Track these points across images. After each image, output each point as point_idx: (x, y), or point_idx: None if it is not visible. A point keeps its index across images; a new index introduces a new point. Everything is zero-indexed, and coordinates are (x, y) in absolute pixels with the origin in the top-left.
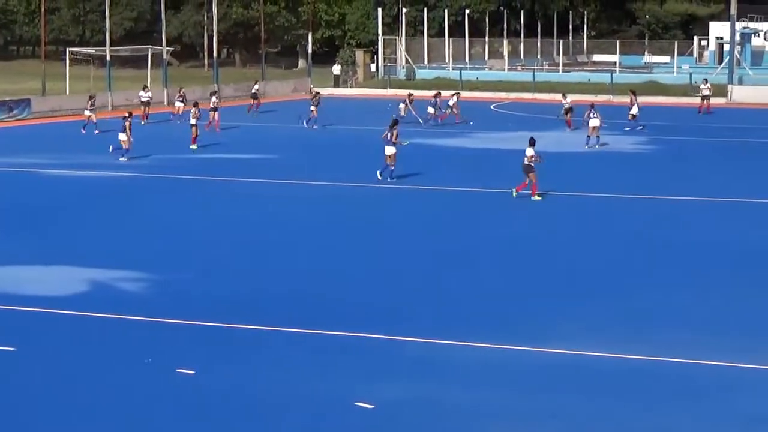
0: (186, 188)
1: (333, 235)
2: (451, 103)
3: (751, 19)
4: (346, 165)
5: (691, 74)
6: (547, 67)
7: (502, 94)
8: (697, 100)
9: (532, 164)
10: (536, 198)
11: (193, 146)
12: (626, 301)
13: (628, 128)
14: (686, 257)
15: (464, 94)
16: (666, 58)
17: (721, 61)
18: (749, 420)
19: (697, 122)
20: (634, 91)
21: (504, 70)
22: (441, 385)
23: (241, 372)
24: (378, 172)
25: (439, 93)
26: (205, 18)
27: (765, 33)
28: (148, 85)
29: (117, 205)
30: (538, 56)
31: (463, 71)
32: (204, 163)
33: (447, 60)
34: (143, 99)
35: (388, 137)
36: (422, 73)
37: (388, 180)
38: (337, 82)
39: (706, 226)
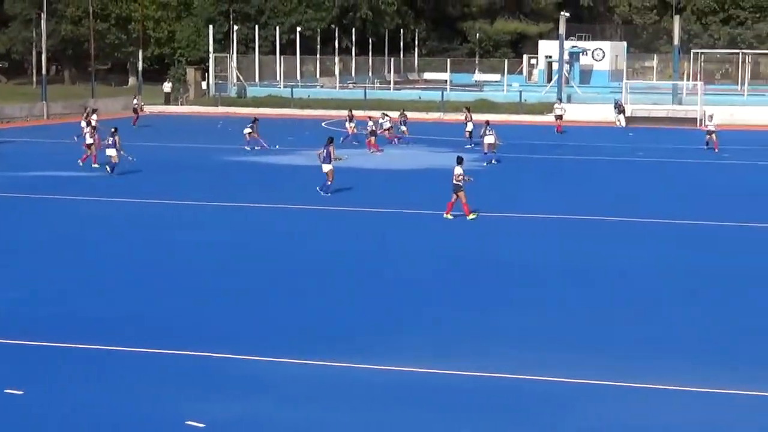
0: (18, 207)
1: (169, 255)
2: (387, 125)
3: (580, 38)
4: (182, 183)
5: (521, 92)
6: (378, 84)
7: (333, 112)
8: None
9: (461, 183)
10: (471, 217)
11: (81, 163)
12: (464, 318)
13: (469, 146)
14: (521, 275)
15: (295, 111)
16: (496, 76)
17: (550, 80)
18: None
19: (528, 140)
20: (468, 108)
21: (335, 87)
22: (272, 404)
23: (70, 392)
24: (320, 190)
25: (401, 111)
26: (34, 34)
27: (593, 52)
28: None
29: None
30: (370, 74)
31: (294, 89)
32: (37, 181)
33: (278, 78)
34: None
35: (324, 155)
36: (253, 91)
37: (322, 194)
38: (168, 99)
39: (538, 244)
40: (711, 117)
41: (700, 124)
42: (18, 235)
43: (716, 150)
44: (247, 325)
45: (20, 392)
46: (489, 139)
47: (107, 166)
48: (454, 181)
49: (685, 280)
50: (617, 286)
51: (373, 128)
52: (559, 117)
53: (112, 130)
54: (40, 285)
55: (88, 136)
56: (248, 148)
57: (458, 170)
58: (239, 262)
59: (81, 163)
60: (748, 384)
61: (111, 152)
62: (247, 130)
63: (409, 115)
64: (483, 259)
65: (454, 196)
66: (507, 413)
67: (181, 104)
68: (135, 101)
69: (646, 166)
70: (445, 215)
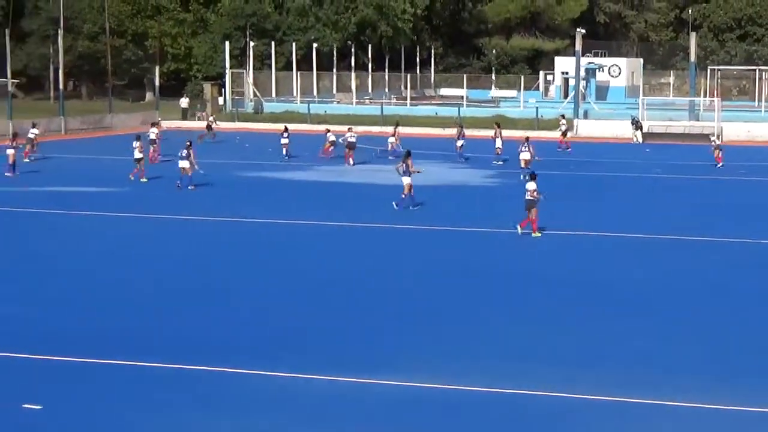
0: (36, 221)
1: (172, 269)
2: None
3: (596, 55)
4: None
5: (537, 108)
6: (395, 100)
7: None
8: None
9: (534, 199)
10: (536, 235)
11: (144, 179)
12: (461, 334)
13: (498, 162)
14: (527, 289)
15: (312, 127)
16: (513, 92)
17: (566, 96)
18: None
19: (549, 156)
20: (498, 123)
21: (352, 103)
22: (287, 420)
23: (90, 406)
24: (394, 203)
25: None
26: (51, 50)
27: (609, 68)
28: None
29: None
30: (386, 90)
31: (311, 105)
32: (63, 196)
33: (295, 93)
34: (29, 135)
35: (403, 168)
36: (270, 107)
37: (410, 208)
38: (184, 115)
39: (545, 258)
40: (713, 131)
41: (717, 141)
42: (42, 251)
43: (720, 164)
44: (268, 341)
45: (38, 407)
46: (525, 155)
47: (178, 181)
48: (529, 197)
49: (715, 297)
50: (650, 301)
51: (353, 140)
52: (564, 133)
53: (187, 143)
54: (58, 300)
55: (137, 150)
56: (287, 158)
57: (532, 186)
58: (272, 279)
59: (139, 178)
60: None
61: (184, 164)
62: (284, 141)
63: (426, 131)
64: (521, 274)
65: (529, 213)
66: (503, 428)
67: (198, 120)
68: (211, 118)
69: (666, 183)
70: (533, 234)
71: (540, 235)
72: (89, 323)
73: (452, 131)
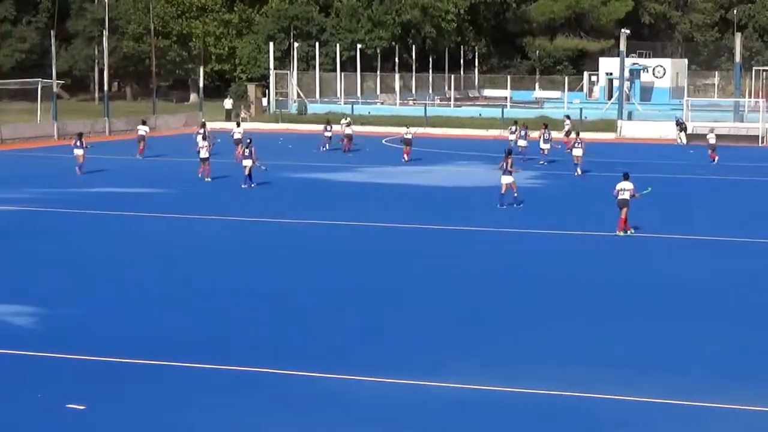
0: (87, 223)
1: (223, 272)
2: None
3: (640, 55)
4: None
5: (581, 109)
6: (438, 101)
7: (394, 129)
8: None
9: (627, 198)
10: (630, 232)
11: (208, 179)
12: (520, 337)
13: (542, 162)
14: (578, 293)
15: (356, 128)
16: (557, 93)
17: (610, 97)
18: None
19: (594, 157)
20: (546, 125)
21: (396, 104)
22: (342, 422)
23: (132, 407)
24: (498, 204)
25: (547, 125)
26: (96, 51)
27: (653, 69)
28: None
29: (7, 240)
30: (430, 91)
31: (355, 106)
32: (111, 197)
33: (339, 94)
34: (140, 133)
35: (505, 166)
36: (314, 108)
37: (514, 206)
38: (228, 116)
39: (595, 262)
40: (712, 129)
41: (762, 142)
42: (68, 252)
43: (715, 161)
44: (307, 342)
45: (82, 407)
46: (577, 151)
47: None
48: (621, 197)
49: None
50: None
51: (408, 137)
52: (568, 133)
53: (248, 141)
54: (96, 301)
55: (204, 150)
56: (323, 149)
57: (627, 185)
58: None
59: (207, 179)
60: None
61: (247, 163)
62: (327, 134)
63: (469, 132)
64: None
65: (622, 212)
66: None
67: (243, 120)
68: (345, 120)
69: (710, 184)
70: (628, 231)
71: (633, 232)
72: (134, 324)
73: (506, 132)
